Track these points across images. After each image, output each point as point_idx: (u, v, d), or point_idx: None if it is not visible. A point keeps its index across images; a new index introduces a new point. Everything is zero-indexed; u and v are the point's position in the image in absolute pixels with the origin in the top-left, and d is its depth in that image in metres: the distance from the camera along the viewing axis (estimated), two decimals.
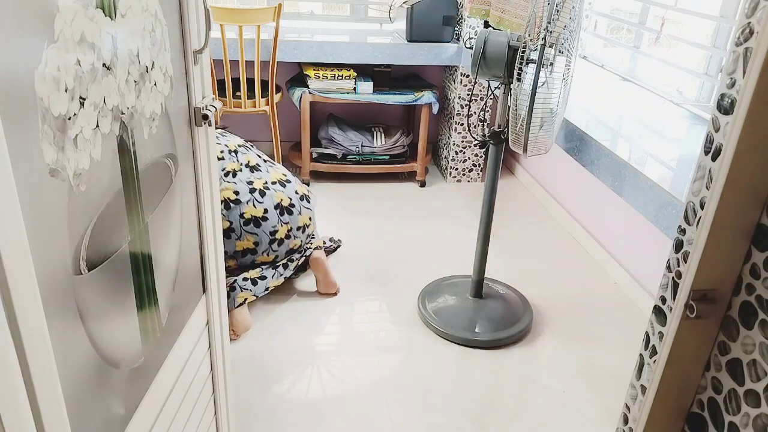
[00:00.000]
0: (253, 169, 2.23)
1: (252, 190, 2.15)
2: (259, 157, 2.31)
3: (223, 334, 1.29)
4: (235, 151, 2.23)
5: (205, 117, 1.04)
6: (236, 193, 2.12)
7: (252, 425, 1.74)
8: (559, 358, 2.08)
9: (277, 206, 2.19)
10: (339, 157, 3.29)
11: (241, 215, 2.11)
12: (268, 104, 3.04)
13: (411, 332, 2.19)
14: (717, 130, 0.81)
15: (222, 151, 2.20)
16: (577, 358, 2.09)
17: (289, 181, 2.28)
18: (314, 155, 3.28)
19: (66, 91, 0.64)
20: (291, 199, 2.23)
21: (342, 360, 2.02)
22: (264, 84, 3.07)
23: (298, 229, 2.25)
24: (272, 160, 2.37)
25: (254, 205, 2.14)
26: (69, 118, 0.65)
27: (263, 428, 1.73)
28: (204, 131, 1.09)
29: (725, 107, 0.79)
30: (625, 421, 1.03)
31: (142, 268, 0.89)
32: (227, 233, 2.10)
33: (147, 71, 0.85)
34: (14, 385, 0.58)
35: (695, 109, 2.35)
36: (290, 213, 2.21)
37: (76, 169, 0.68)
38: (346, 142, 3.26)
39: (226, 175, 2.15)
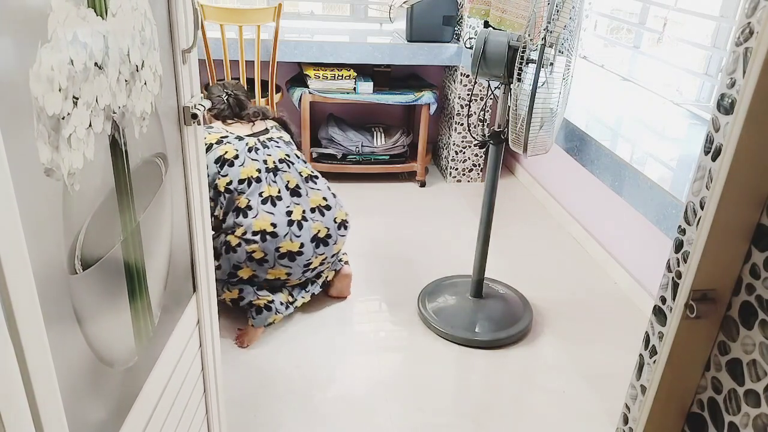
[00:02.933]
0: (294, 192, 2.09)
1: (290, 223, 2.02)
2: (300, 175, 2.14)
3: (213, 333, 1.29)
4: (275, 170, 2.09)
5: (194, 116, 1.05)
6: (274, 225, 1.99)
7: (252, 425, 1.74)
8: (559, 358, 2.08)
9: (314, 239, 2.06)
10: (339, 157, 3.29)
11: (277, 249, 1.99)
12: (268, 104, 3.04)
13: (411, 332, 2.19)
14: (717, 130, 0.80)
15: (259, 170, 2.06)
16: (577, 358, 2.09)
17: (329, 208, 2.13)
18: (314, 155, 3.28)
19: (60, 90, 0.64)
20: (329, 229, 2.10)
21: (342, 360, 2.02)
22: (264, 84, 3.07)
23: (332, 256, 2.17)
24: (317, 175, 2.20)
25: (291, 239, 2.01)
26: (63, 118, 0.65)
27: (264, 428, 1.73)
28: (193, 130, 1.09)
29: (725, 107, 0.79)
30: (625, 421, 1.03)
31: (134, 267, 0.89)
32: (260, 262, 1.99)
33: (137, 70, 0.85)
34: (13, 384, 0.58)
35: (695, 109, 2.35)
36: (326, 245, 2.09)
37: (70, 168, 0.68)
38: (346, 142, 3.26)
39: (265, 202, 2.02)
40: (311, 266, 2.10)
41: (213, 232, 1.97)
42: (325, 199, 2.14)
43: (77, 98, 0.68)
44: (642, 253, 2.40)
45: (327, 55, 3.06)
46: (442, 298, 2.31)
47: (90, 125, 0.72)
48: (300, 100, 3.12)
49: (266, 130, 2.22)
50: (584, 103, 2.49)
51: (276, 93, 3.05)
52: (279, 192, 2.05)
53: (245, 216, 1.99)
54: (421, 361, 2.04)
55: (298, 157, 2.20)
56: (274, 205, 2.03)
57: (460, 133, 3.35)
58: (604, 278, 2.59)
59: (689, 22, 2.44)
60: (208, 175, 2.01)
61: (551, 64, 1.75)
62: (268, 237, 1.98)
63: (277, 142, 2.18)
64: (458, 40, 3.23)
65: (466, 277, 2.39)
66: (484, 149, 3.43)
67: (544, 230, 2.99)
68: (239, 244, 1.97)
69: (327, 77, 3.11)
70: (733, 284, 0.85)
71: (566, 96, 1.85)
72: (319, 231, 2.07)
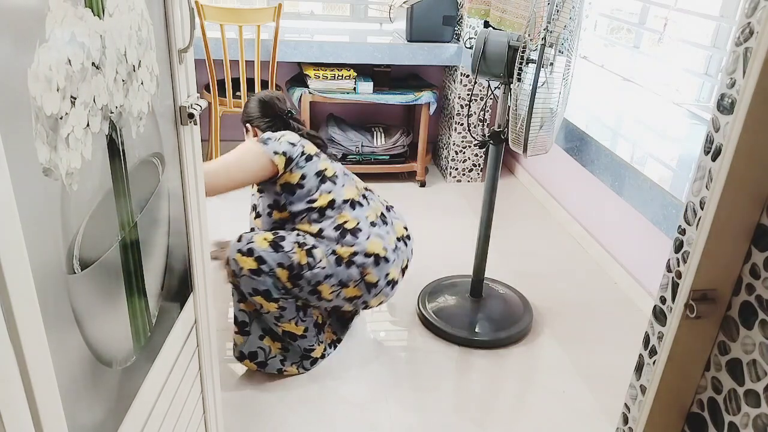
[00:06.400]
0: (383, 220, 1.94)
1: (394, 249, 1.89)
2: (383, 204, 2.01)
3: (210, 333, 1.29)
4: (364, 197, 1.95)
5: (191, 116, 1.05)
6: (386, 250, 1.85)
7: (252, 425, 1.74)
8: (559, 358, 2.08)
9: (402, 270, 1.96)
10: (339, 157, 3.29)
11: (386, 275, 1.86)
12: None
13: (411, 332, 2.19)
14: (717, 130, 0.80)
15: (357, 194, 1.93)
16: (577, 358, 2.08)
17: (409, 237, 2.01)
18: None
19: (58, 90, 0.64)
20: (408, 260, 2.00)
21: (342, 360, 2.02)
22: (264, 84, 3.07)
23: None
24: (391, 204, 2.07)
25: (396, 267, 1.90)
26: (61, 118, 0.65)
27: (264, 428, 1.73)
28: (189, 130, 1.09)
29: (725, 107, 0.79)
30: (625, 421, 1.03)
31: (132, 267, 0.89)
32: (370, 286, 1.84)
33: (134, 70, 0.85)
34: (12, 383, 0.58)
35: (695, 109, 2.34)
36: (403, 275, 1.98)
37: (68, 168, 0.68)
38: (346, 142, 3.26)
39: (373, 225, 1.87)
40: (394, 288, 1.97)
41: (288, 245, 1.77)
42: (405, 228, 2.01)
43: (75, 98, 0.68)
44: (642, 253, 2.40)
45: (327, 55, 3.06)
46: (442, 298, 2.31)
47: (88, 125, 0.72)
48: (300, 100, 3.12)
49: (334, 156, 2.08)
50: (584, 103, 2.49)
51: None
52: (376, 218, 1.91)
53: (356, 236, 1.81)
54: (421, 361, 2.04)
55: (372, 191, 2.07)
56: (380, 228, 1.89)
57: (460, 133, 3.35)
58: (604, 278, 2.59)
59: (689, 22, 2.44)
60: (301, 186, 1.82)
61: (551, 64, 1.75)
62: (381, 261, 1.83)
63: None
64: (458, 40, 3.23)
65: (466, 277, 2.39)
66: (484, 149, 3.43)
67: (544, 230, 2.99)
68: (352, 262, 1.79)
69: (327, 77, 3.11)
70: (733, 284, 0.85)
71: (566, 96, 1.85)
72: (404, 261, 1.96)
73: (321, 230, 1.81)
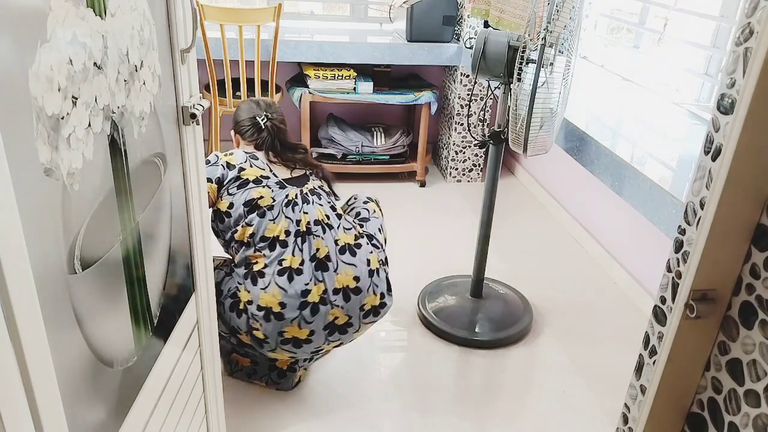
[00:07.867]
0: (320, 264, 1.67)
1: (303, 305, 1.63)
2: (336, 244, 1.71)
3: (212, 334, 1.28)
4: (306, 233, 1.68)
5: (193, 116, 1.05)
6: (282, 305, 1.62)
7: (252, 426, 1.74)
8: (559, 358, 2.08)
9: (328, 326, 1.68)
10: (339, 157, 3.29)
11: (281, 333, 1.64)
12: None
13: (411, 332, 2.19)
14: (717, 130, 0.80)
15: (288, 232, 1.66)
16: (577, 358, 2.08)
17: (358, 291, 1.71)
18: (314, 155, 3.28)
19: (59, 90, 0.64)
20: (350, 318, 1.70)
21: (342, 360, 2.02)
22: (264, 84, 3.07)
23: (352, 337, 1.79)
24: (360, 243, 1.74)
25: (299, 326, 1.64)
26: (62, 118, 0.65)
27: (265, 428, 1.73)
28: (192, 130, 1.09)
29: (725, 107, 0.79)
30: (625, 421, 1.03)
31: (133, 267, 0.89)
32: (259, 342, 1.67)
33: (136, 70, 0.85)
34: (12, 383, 0.58)
35: (695, 109, 2.34)
36: (344, 332, 1.72)
37: (69, 168, 0.68)
38: (346, 142, 3.26)
39: (282, 273, 1.63)
40: (321, 351, 1.78)
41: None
42: (356, 279, 1.70)
43: (76, 98, 0.68)
44: (642, 253, 2.40)
45: (327, 55, 3.06)
46: (442, 298, 2.31)
47: (89, 125, 0.72)
48: (300, 100, 3.12)
49: (306, 177, 1.80)
50: (584, 103, 2.49)
51: (276, 93, 3.05)
52: (301, 263, 1.65)
53: (254, 282, 1.64)
54: (421, 361, 2.04)
55: (340, 217, 1.78)
56: (290, 279, 1.64)
57: (460, 133, 3.35)
58: (604, 278, 2.59)
59: (689, 22, 2.44)
60: (229, 215, 1.67)
61: (551, 64, 1.75)
62: (272, 317, 1.62)
63: (319, 197, 1.76)
64: (458, 40, 3.23)
65: (466, 277, 2.39)
66: (484, 149, 3.43)
67: (544, 230, 2.99)
68: (245, 309, 1.64)
69: (327, 77, 3.11)
70: (733, 284, 0.85)
71: (566, 96, 1.85)
72: (336, 318, 1.68)
73: (238, 263, 1.68)
